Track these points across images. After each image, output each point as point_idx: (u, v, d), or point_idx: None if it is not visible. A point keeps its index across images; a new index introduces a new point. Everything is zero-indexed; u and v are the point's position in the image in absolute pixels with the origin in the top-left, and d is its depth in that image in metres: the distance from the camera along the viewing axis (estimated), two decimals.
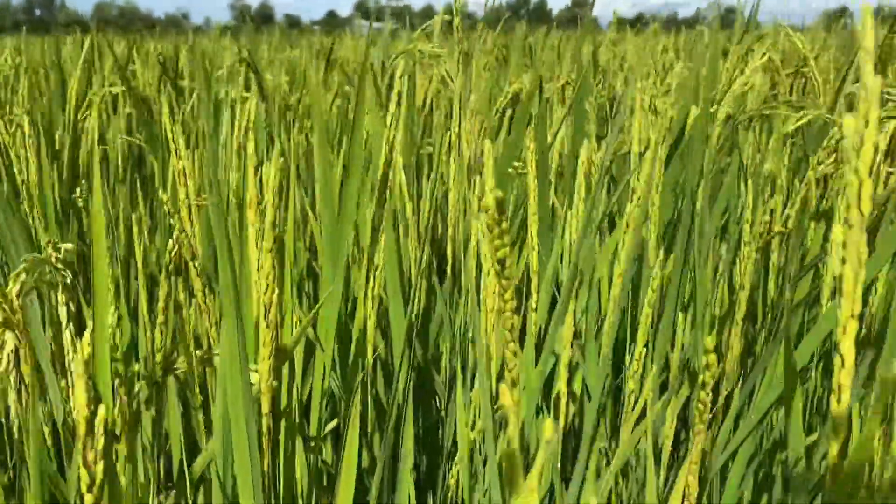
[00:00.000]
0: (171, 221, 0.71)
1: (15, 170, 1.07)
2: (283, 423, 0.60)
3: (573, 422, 0.84)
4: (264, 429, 0.57)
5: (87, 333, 0.32)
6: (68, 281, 0.61)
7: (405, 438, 0.72)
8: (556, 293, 0.81)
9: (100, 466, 0.31)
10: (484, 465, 0.68)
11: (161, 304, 0.66)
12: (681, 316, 0.81)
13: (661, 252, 0.68)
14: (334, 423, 0.78)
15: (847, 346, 0.28)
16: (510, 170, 0.98)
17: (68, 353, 0.57)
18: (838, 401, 0.29)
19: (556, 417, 0.73)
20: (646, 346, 0.67)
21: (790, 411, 0.60)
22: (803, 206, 0.80)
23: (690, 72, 1.02)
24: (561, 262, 0.81)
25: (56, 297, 0.59)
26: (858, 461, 0.29)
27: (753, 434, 0.71)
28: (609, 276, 0.85)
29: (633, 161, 0.88)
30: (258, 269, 0.51)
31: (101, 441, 0.31)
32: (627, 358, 0.85)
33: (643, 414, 0.59)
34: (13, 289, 0.56)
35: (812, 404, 0.89)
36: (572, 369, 0.72)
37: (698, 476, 0.48)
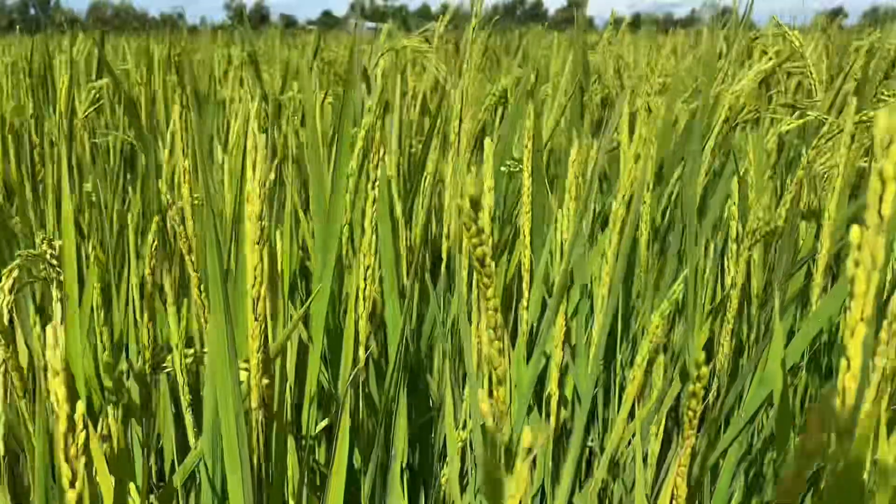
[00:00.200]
0: (168, 219, 0.71)
1: None
2: (274, 420, 0.60)
3: (565, 423, 0.84)
4: (254, 423, 0.57)
5: (54, 326, 0.32)
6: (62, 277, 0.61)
7: (397, 439, 0.72)
8: (547, 294, 0.81)
9: (81, 462, 0.31)
10: (475, 465, 0.68)
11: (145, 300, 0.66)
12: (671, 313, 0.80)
13: (654, 251, 0.68)
14: (326, 422, 0.78)
15: (855, 349, 0.28)
16: (502, 168, 0.98)
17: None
18: (842, 403, 0.28)
19: (548, 417, 0.73)
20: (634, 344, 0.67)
21: (781, 410, 0.60)
22: (794, 204, 0.81)
23: (686, 73, 1.02)
24: (551, 262, 0.81)
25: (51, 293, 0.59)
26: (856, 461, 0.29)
27: (744, 433, 0.71)
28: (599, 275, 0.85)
29: (623, 161, 0.88)
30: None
31: (81, 436, 0.31)
32: (618, 358, 0.85)
33: (632, 414, 0.59)
34: (6, 284, 0.55)
35: (803, 402, 0.89)
36: (563, 370, 0.72)
37: (689, 475, 0.48)
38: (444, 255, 0.96)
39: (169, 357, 0.59)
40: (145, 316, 0.63)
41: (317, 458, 0.81)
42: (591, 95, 1.52)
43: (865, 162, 0.96)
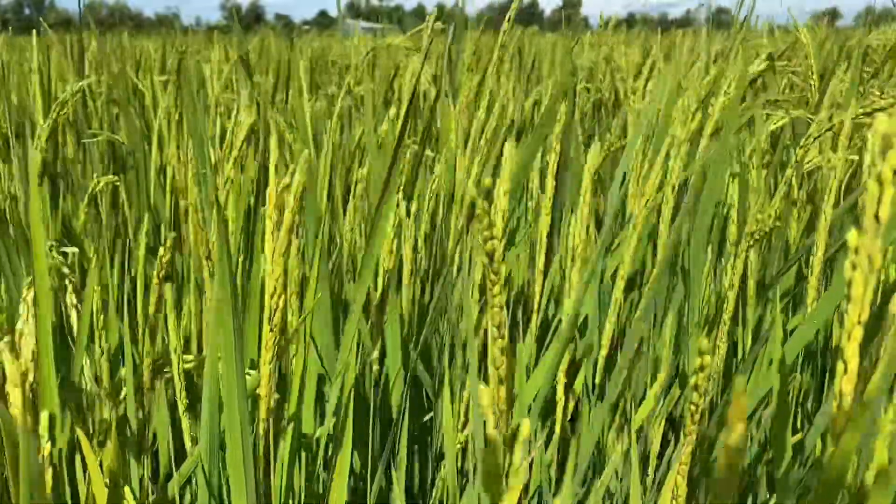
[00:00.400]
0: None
1: None
2: (276, 426, 0.60)
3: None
4: (261, 432, 0.56)
5: (23, 335, 0.31)
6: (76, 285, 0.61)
7: (399, 446, 0.72)
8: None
9: (49, 474, 0.31)
10: (474, 468, 0.68)
11: (152, 308, 0.66)
12: (671, 316, 0.81)
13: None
14: (328, 425, 0.78)
15: (851, 352, 0.28)
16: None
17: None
18: (839, 406, 0.29)
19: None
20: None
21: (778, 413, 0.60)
22: (784, 204, 0.81)
23: (673, 75, 1.02)
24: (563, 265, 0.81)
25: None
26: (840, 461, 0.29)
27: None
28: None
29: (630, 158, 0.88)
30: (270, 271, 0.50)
31: (47, 447, 0.31)
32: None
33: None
34: (28, 295, 0.55)
35: (797, 403, 0.89)
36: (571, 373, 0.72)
37: (688, 476, 0.48)
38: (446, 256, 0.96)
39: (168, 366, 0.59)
40: (148, 322, 0.63)
41: (317, 463, 0.81)
42: (582, 102, 1.53)
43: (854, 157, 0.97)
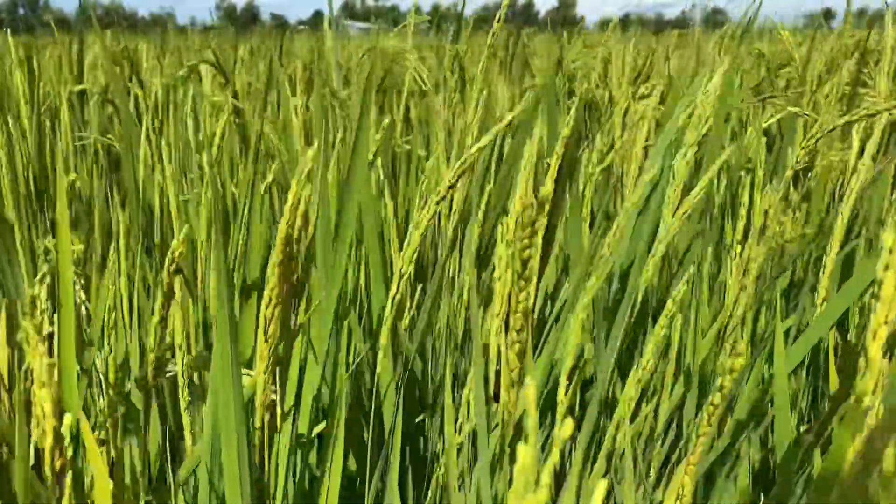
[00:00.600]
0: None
1: None
2: (271, 430, 0.60)
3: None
4: (256, 441, 0.56)
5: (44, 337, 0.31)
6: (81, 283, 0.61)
7: (393, 448, 0.72)
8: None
9: (69, 477, 0.31)
10: (471, 467, 0.67)
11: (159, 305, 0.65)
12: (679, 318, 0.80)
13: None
14: (321, 426, 0.77)
15: (875, 350, 0.28)
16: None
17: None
18: (858, 403, 0.28)
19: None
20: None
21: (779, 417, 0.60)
22: (783, 206, 0.81)
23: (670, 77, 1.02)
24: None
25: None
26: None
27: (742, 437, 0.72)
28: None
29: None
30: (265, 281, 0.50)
31: (69, 450, 0.31)
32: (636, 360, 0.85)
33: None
34: (42, 290, 0.55)
35: (798, 404, 0.89)
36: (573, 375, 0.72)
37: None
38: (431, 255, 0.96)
39: (171, 361, 0.59)
40: (154, 319, 0.63)
41: (309, 463, 0.81)
42: (568, 104, 1.53)
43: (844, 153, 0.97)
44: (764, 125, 1.02)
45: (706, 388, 0.77)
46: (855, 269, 0.89)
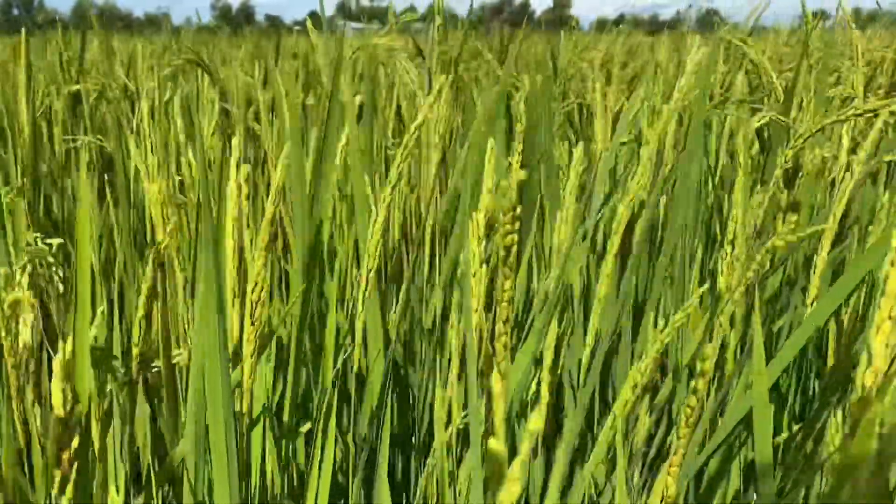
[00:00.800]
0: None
1: None
2: (256, 422, 0.60)
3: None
4: (243, 429, 0.56)
5: (68, 338, 0.31)
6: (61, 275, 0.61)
7: (382, 441, 0.72)
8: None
9: (74, 468, 0.31)
10: (458, 463, 0.67)
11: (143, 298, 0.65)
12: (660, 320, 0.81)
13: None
14: (309, 425, 0.77)
15: (878, 346, 0.28)
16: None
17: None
18: (860, 401, 0.28)
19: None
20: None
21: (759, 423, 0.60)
22: (772, 205, 0.81)
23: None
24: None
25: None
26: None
27: (730, 438, 0.71)
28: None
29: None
30: (235, 263, 0.50)
31: (76, 440, 0.31)
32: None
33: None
34: (24, 279, 0.55)
35: (786, 404, 0.89)
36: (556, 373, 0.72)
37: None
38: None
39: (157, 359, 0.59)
40: (139, 313, 0.62)
41: (297, 457, 0.80)
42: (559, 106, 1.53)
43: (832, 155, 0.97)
44: (756, 125, 1.02)
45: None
46: (846, 268, 0.89)
